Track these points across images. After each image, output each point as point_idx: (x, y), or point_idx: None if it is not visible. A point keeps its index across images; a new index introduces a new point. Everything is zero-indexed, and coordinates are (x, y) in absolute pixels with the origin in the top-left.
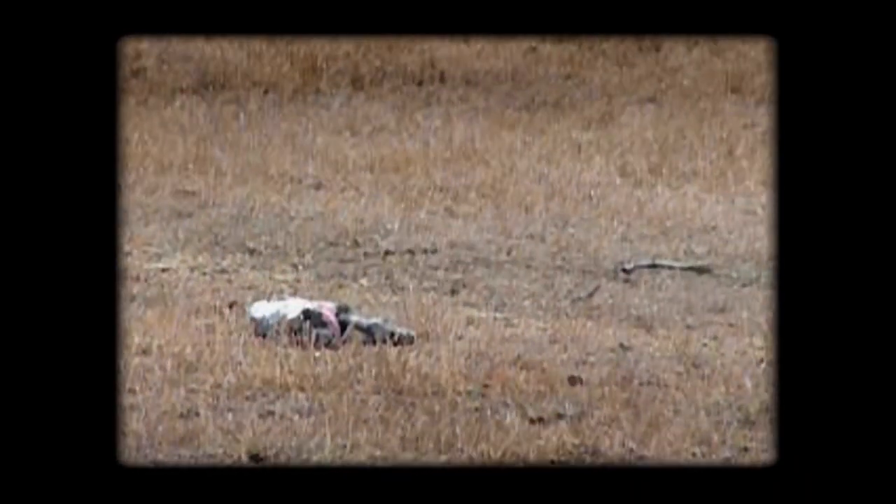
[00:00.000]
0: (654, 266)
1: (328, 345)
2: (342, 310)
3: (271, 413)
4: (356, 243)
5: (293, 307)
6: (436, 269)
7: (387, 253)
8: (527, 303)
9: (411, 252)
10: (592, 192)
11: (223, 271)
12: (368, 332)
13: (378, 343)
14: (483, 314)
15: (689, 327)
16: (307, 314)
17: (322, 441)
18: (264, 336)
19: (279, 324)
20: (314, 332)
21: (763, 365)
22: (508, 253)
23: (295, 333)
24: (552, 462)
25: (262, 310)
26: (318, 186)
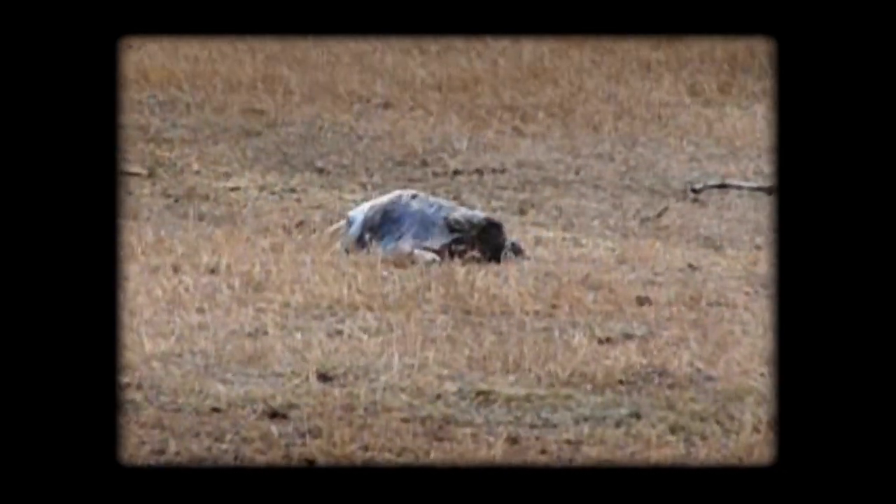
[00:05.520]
0: (723, 186)
1: None
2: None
3: (339, 332)
4: (424, 163)
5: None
6: (504, 188)
7: (455, 172)
8: (595, 223)
9: (479, 172)
10: (661, 112)
11: (291, 190)
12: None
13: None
14: (551, 234)
15: (757, 247)
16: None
17: (390, 360)
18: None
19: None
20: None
21: None
22: (577, 173)
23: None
24: (620, 382)
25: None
26: (386, 105)
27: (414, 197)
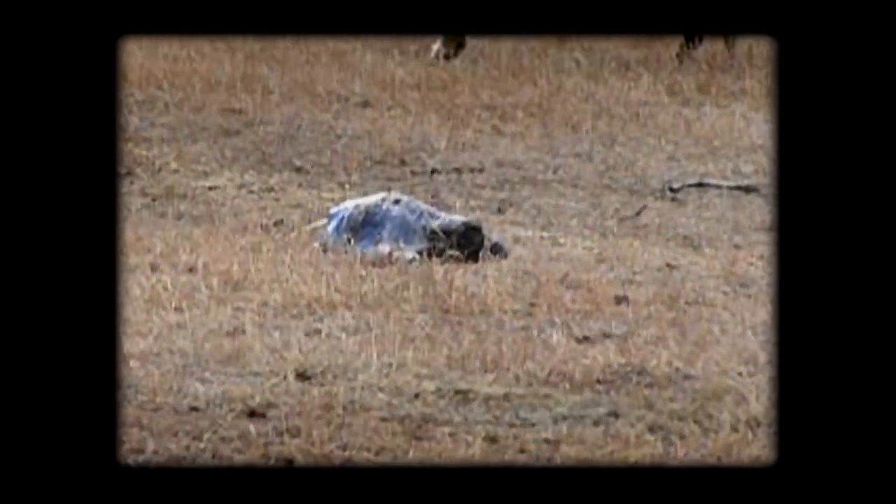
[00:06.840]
0: (701, 185)
1: None
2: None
3: (318, 331)
4: (403, 162)
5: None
6: (482, 187)
7: (433, 171)
8: (574, 222)
9: (458, 171)
10: (640, 111)
11: (270, 189)
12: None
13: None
14: (530, 233)
15: (736, 246)
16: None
17: (368, 359)
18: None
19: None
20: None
21: None
22: (555, 172)
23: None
24: (598, 381)
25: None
26: (365, 105)
27: (397, 202)
